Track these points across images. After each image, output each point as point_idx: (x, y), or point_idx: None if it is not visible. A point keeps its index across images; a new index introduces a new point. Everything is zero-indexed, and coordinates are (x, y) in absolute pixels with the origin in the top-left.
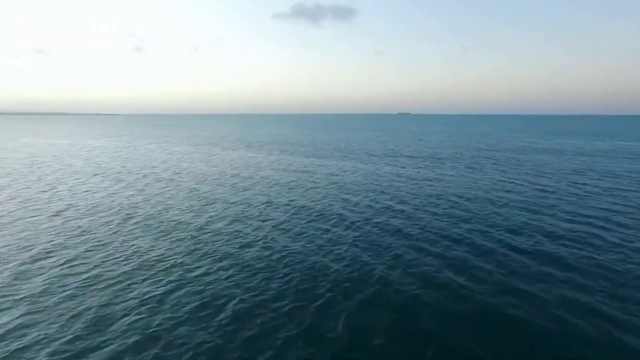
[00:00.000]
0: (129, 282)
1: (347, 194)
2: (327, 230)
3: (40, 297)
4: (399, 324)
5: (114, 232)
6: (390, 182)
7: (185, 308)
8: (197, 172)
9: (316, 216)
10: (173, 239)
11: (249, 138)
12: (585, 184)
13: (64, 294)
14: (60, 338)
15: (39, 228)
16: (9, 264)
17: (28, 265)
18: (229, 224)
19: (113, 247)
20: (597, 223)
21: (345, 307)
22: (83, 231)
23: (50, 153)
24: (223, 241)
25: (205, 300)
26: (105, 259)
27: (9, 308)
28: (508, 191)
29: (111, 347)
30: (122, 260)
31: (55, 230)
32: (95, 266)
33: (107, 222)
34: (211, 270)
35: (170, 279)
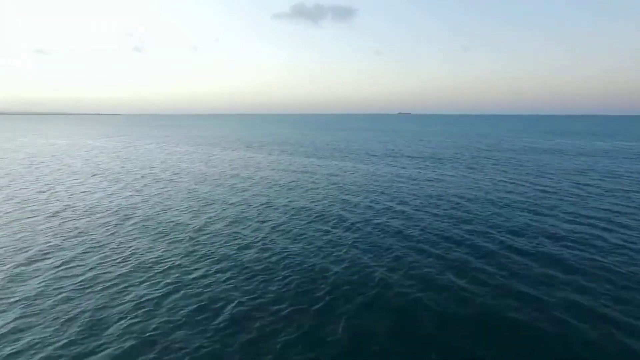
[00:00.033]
0: (126, 284)
1: (347, 194)
2: (327, 232)
3: (35, 299)
4: (400, 328)
5: (112, 234)
6: (390, 182)
7: (182, 311)
8: (196, 173)
9: (316, 217)
10: (171, 241)
11: (248, 138)
12: (587, 184)
13: (60, 296)
14: (54, 342)
15: (35, 229)
16: (4, 265)
17: (24, 267)
18: (227, 225)
19: (110, 249)
20: (599, 224)
21: (345, 310)
22: (80, 232)
23: (49, 153)
24: (221, 242)
25: (203, 303)
26: (102, 261)
27: (4, 311)
28: (509, 192)
29: (107, 351)
30: (119, 262)
31: (52, 231)
32: (91, 268)
33: (104, 223)
34: (209, 273)
35: (168, 281)
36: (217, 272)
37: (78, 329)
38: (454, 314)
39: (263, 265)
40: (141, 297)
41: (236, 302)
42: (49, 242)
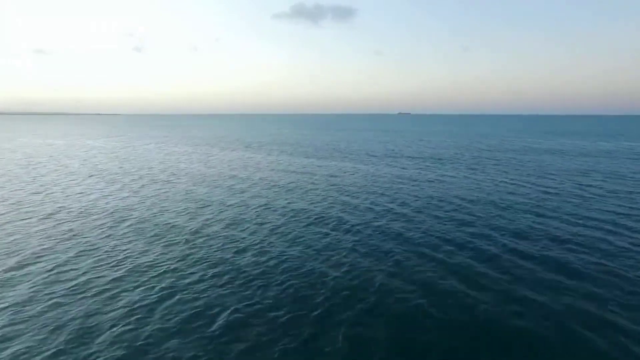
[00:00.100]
0: (119, 289)
1: (347, 196)
2: (326, 234)
3: (25, 305)
4: (401, 335)
5: (107, 236)
6: (390, 183)
7: (176, 318)
8: (194, 173)
9: (315, 219)
10: (166, 244)
11: (248, 138)
12: (589, 185)
13: (50, 302)
14: (42, 352)
15: (29, 231)
16: None
17: (14, 272)
18: (224, 228)
19: (104, 252)
20: (604, 226)
21: (345, 317)
22: (74, 235)
23: (47, 154)
24: (218, 246)
25: (198, 309)
26: (95, 265)
27: None
28: (510, 193)
29: None
30: (112, 266)
31: (46, 233)
32: (84, 272)
33: (99, 225)
34: (205, 277)
35: (162, 285)
36: (213, 276)
37: (67, 337)
38: (457, 321)
39: (261, 270)
40: (134, 302)
41: (232, 308)
42: (42, 244)
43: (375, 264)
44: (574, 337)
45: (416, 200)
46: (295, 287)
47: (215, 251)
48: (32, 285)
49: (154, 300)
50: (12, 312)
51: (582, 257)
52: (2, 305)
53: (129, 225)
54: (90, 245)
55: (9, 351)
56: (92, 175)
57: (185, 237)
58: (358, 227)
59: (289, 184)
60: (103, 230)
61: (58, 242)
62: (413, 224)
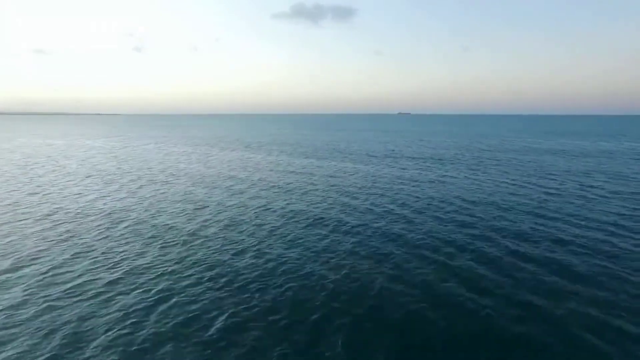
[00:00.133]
0: (114, 292)
1: (347, 196)
2: (326, 236)
3: (19, 308)
4: (402, 340)
5: (104, 237)
6: (390, 184)
7: (172, 322)
8: (193, 174)
9: (314, 220)
10: (163, 245)
11: (247, 138)
12: (591, 186)
13: (45, 305)
14: (36, 357)
15: (25, 233)
16: None
17: (9, 274)
18: (222, 229)
19: (100, 253)
20: (607, 228)
21: (344, 321)
22: (71, 236)
23: (46, 154)
24: (216, 248)
25: (195, 313)
26: (91, 267)
27: None
28: (512, 193)
29: None
30: (108, 268)
31: (42, 235)
32: (80, 275)
33: (96, 227)
34: (202, 280)
35: (159, 288)
36: (210, 279)
37: (61, 342)
38: (458, 326)
39: (259, 272)
40: (130, 306)
41: (230, 312)
42: (38, 246)
43: (375, 267)
44: (577, 342)
45: (416, 201)
46: (294, 290)
47: (213, 253)
48: (26, 287)
49: (150, 303)
50: (5, 315)
51: (585, 260)
52: None
53: (126, 227)
54: (86, 247)
55: (1, 356)
56: (90, 176)
57: (183, 238)
58: (358, 229)
59: (288, 184)
60: (100, 231)
61: (54, 244)
62: (413, 225)
